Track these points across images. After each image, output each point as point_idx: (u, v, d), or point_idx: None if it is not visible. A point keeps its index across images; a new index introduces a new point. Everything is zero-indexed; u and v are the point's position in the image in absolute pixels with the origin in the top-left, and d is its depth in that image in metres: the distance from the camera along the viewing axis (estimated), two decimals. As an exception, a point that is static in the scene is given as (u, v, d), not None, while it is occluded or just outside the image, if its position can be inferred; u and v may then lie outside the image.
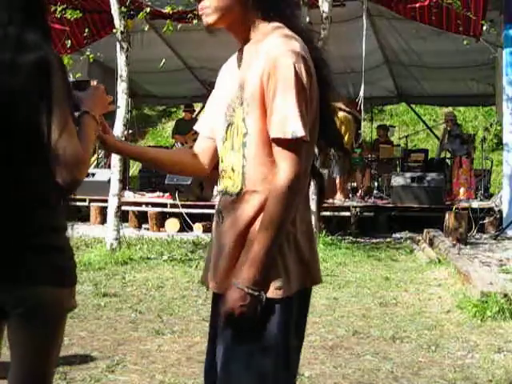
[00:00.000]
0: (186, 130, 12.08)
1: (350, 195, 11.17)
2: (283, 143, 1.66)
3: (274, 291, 1.67)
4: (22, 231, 1.67)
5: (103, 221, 9.67)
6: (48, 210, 1.70)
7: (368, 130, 14.26)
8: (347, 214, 9.72)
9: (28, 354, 1.69)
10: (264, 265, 1.63)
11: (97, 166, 13.61)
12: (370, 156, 11.94)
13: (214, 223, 1.85)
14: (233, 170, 1.78)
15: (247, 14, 1.74)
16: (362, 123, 10.64)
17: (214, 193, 11.50)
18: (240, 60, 1.81)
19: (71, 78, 1.91)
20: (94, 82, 1.98)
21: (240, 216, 1.72)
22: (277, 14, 1.76)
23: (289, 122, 1.64)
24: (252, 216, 1.70)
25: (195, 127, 2.09)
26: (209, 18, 1.75)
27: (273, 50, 1.67)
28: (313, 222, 7.00)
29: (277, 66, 1.65)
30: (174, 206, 10.12)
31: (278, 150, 1.68)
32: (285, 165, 1.66)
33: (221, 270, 1.74)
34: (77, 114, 1.76)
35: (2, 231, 1.66)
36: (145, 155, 2.08)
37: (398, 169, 12.15)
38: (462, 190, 11.02)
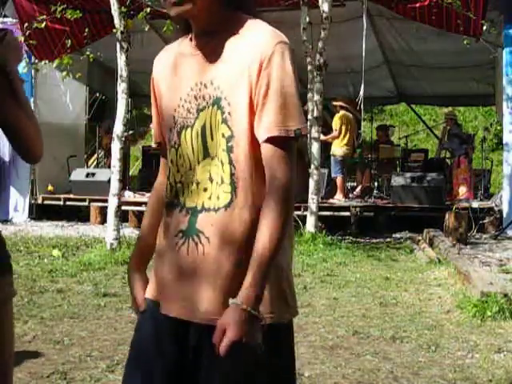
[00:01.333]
0: None
1: (350, 195, 11.18)
2: (283, 142, 1.46)
3: (281, 314, 1.52)
4: None
5: (103, 221, 9.67)
6: None
7: (368, 130, 14.26)
8: (347, 213, 9.72)
9: None
10: (266, 283, 1.45)
11: (97, 166, 13.63)
12: (369, 156, 11.94)
13: (177, 246, 1.55)
14: (211, 179, 1.52)
15: (215, 5, 1.53)
16: (362, 123, 10.64)
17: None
18: (205, 54, 1.56)
19: None
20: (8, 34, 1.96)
21: (235, 232, 1.50)
22: (246, 7, 1.59)
23: (291, 118, 1.47)
24: (251, 230, 1.48)
25: (154, 143, 1.76)
26: (179, 8, 1.52)
27: (262, 41, 1.48)
28: (313, 223, 6.95)
29: (270, 58, 1.47)
30: (173, 205, 10.10)
31: (274, 151, 1.46)
32: (283, 168, 1.46)
33: (214, 296, 1.49)
34: None
35: None
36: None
37: (398, 169, 12.16)
38: (461, 190, 11.03)
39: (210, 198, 1.52)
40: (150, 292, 1.66)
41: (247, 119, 1.48)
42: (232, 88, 1.50)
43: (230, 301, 1.42)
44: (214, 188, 1.52)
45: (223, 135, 1.50)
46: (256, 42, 1.49)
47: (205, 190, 1.53)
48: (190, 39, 1.60)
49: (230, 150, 1.50)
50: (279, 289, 1.53)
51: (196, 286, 1.52)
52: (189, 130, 1.55)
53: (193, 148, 1.55)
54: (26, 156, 1.81)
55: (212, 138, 1.52)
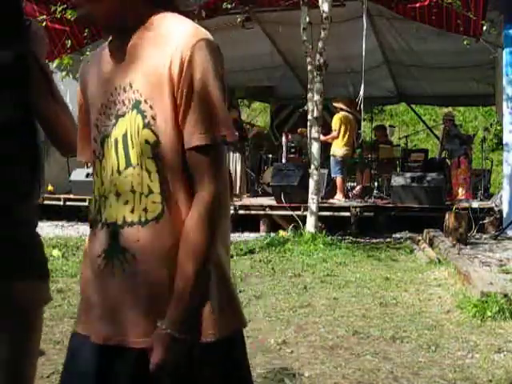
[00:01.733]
0: None
1: (350, 195, 11.18)
2: (209, 150, 1.35)
3: (208, 334, 1.38)
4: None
5: (103, 221, 9.65)
6: (24, 203, 1.71)
7: (368, 130, 14.27)
8: (347, 214, 9.72)
9: (9, 348, 1.70)
10: (193, 303, 1.35)
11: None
12: (369, 156, 11.95)
13: (99, 268, 1.43)
14: (133, 191, 1.39)
15: (131, 1, 1.42)
16: (362, 123, 10.64)
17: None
18: (123, 55, 1.44)
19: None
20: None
21: (165, 246, 1.37)
22: (167, 4, 1.48)
23: (214, 123, 1.35)
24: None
25: (78, 157, 1.63)
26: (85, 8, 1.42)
27: (183, 40, 1.36)
28: (313, 223, 6.95)
29: (191, 57, 1.34)
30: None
31: (198, 159, 1.35)
32: (210, 177, 1.35)
33: (144, 320, 1.38)
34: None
35: None
36: None
37: (398, 169, 12.16)
38: (460, 190, 11.04)
39: (132, 211, 1.39)
40: (79, 326, 1.52)
41: (173, 123, 1.36)
42: (153, 90, 1.37)
43: (158, 323, 1.34)
44: (137, 200, 1.38)
45: (147, 141, 1.37)
46: (176, 41, 1.36)
47: (126, 202, 1.39)
48: (110, 41, 1.50)
49: (156, 156, 1.36)
50: (217, 304, 1.40)
51: (125, 310, 1.39)
52: (110, 138, 1.43)
53: (116, 157, 1.41)
54: (62, 149, 1.85)
55: (133, 146, 1.38)
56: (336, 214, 9.74)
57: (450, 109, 14.75)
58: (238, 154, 11.41)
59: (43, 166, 1.81)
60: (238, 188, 11.33)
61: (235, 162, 11.35)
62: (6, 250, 1.66)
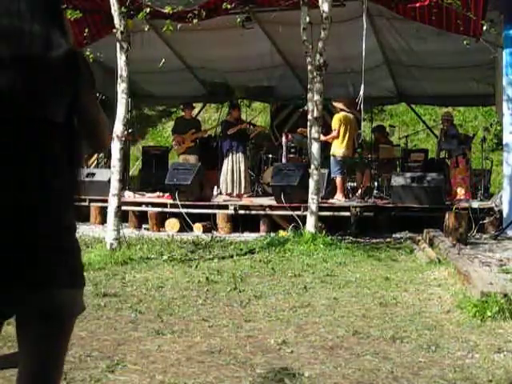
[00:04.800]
0: (184, 129, 12.07)
1: (350, 195, 11.18)
2: None
3: None
4: (41, 231, 1.66)
5: (103, 221, 9.67)
6: (66, 208, 1.70)
7: (368, 130, 14.25)
8: (347, 214, 9.72)
9: (42, 355, 1.70)
10: None
11: (97, 166, 13.62)
12: (369, 156, 11.95)
13: None
14: None
15: None
16: (362, 123, 10.64)
17: (214, 193, 11.52)
18: None
19: None
20: None
21: None
22: None
23: None
24: None
25: None
26: None
27: None
28: (313, 223, 6.95)
29: None
30: (173, 205, 10.12)
31: None
32: None
33: None
34: None
35: (21, 231, 1.64)
36: None
37: (398, 169, 12.16)
38: (459, 190, 11.04)
39: None
40: None
41: None
42: None
43: None
44: None
45: None
46: None
47: None
48: None
49: None
50: None
51: None
52: None
53: None
54: (97, 146, 1.92)
55: None
56: (336, 213, 9.74)
57: (449, 109, 14.74)
58: (241, 154, 11.40)
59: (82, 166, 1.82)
60: (242, 188, 11.33)
61: (238, 162, 11.34)
62: (54, 256, 1.65)
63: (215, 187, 11.76)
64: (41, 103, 1.65)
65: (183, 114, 12.67)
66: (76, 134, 1.75)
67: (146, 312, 4.82)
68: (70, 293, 1.70)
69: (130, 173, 13.33)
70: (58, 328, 1.70)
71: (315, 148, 8.50)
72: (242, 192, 11.31)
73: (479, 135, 13.17)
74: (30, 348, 1.70)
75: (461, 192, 10.99)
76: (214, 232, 9.88)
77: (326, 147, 10.66)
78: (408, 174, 10.41)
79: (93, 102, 1.83)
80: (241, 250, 7.93)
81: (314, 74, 8.46)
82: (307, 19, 8.54)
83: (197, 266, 6.77)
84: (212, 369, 3.54)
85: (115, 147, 7.78)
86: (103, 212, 9.78)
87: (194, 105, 13.65)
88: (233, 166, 11.29)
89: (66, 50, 1.71)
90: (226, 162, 11.38)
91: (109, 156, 10.73)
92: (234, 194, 11.25)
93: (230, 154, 11.34)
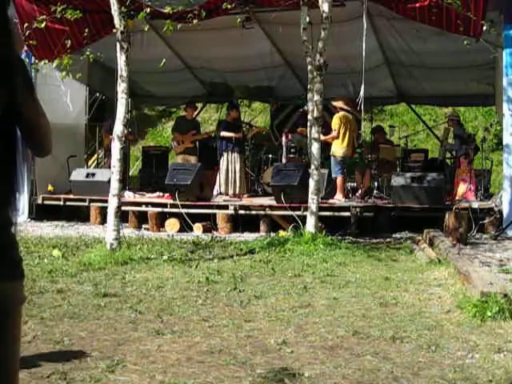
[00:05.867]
0: (185, 129, 12.07)
1: (350, 195, 11.18)
2: None
3: None
4: None
5: (103, 221, 9.67)
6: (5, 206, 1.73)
7: (368, 130, 14.25)
8: (347, 214, 9.72)
9: None
10: None
11: (97, 166, 13.63)
12: (369, 156, 11.94)
13: None
14: None
15: None
16: (362, 123, 10.64)
17: (214, 193, 11.52)
18: None
19: None
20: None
21: None
22: None
23: None
24: None
25: None
26: None
27: None
28: (313, 223, 6.96)
29: None
30: (173, 206, 10.13)
31: None
32: None
33: None
34: None
35: None
36: None
37: (398, 169, 12.15)
38: (460, 190, 11.03)
39: None
40: None
41: None
42: None
43: None
44: None
45: None
46: None
47: None
48: None
49: None
50: None
51: None
52: None
53: None
54: (39, 151, 1.87)
55: None
56: (336, 213, 9.74)
57: (449, 109, 14.72)
58: (237, 154, 11.39)
59: (23, 166, 1.82)
60: (237, 188, 11.32)
61: (234, 162, 11.34)
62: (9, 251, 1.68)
63: (215, 187, 11.76)
64: None
65: (185, 113, 12.66)
66: (12, 135, 1.72)
67: (145, 312, 4.82)
68: (13, 285, 1.75)
69: (130, 173, 13.32)
70: (6, 320, 1.73)
71: (315, 148, 8.51)
72: (237, 192, 11.29)
73: (479, 135, 13.16)
74: None
75: (462, 192, 10.98)
76: (214, 232, 9.88)
77: (326, 147, 10.66)
78: (408, 174, 10.41)
79: (31, 106, 1.79)
80: (241, 250, 7.94)
81: (314, 73, 8.46)
82: (307, 19, 8.54)
83: (197, 266, 6.77)
84: (212, 369, 3.54)
85: (115, 147, 7.78)
86: (103, 212, 9.79)
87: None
88: (228, 166, 11.28)
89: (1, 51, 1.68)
90: (221, 162, 11.38)
91: (109, 156, 10.74)
92: (230, 194, 11.24)
93: (226, 154, 11.34)
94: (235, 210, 10.09)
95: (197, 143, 12.41)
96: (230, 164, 11.30)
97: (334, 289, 5.69)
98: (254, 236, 9.25)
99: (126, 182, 11.08)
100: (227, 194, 11.26)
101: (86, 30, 9.23)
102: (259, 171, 12.71)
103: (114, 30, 7.95)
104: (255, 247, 7.97)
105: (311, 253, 7.51)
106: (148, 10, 8.16)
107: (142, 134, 17.26)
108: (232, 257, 7.48)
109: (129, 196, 10.97)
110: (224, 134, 11.33)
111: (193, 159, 11.95)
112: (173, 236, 9.13)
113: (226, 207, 10.25)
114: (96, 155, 13.72)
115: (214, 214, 10.19)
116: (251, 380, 3.38)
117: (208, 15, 9.21)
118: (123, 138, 7.88)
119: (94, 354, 3.78)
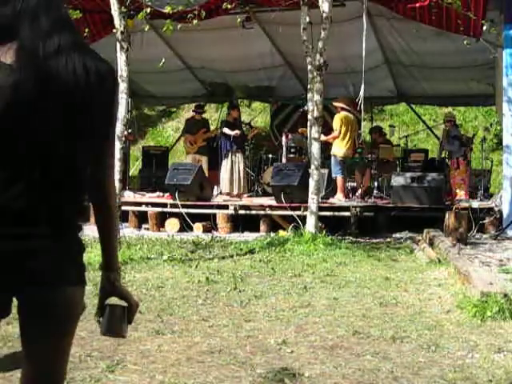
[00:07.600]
0: (196, 130, 12.10)
1: (350, 195, 11.18)
2: None
3: None
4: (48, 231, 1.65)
5: (103, 221, 9.65)
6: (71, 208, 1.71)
7: (368, 131, 14.26)
8: (347, 214, 9.72)
9: (48, 353, 1.70)
10: None
11: (97, 165, 13.58)
12: (370, 156, 11.95)
13: None
14: None
15: None
16: (362, 123, 10.64)
17: (214, 193, 11.53)
18: None
19: None
20: None
21: None
22: None
23: None
24: None
25: None
26: None
27: None
28: (313, 223, 6.95)
29: None
30: (174, 205, 10.12)
31: None
32: None
33: None
34: None
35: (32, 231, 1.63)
36: None
37: (398, 169, 12.15)
38: (458, 191, 11.05)
39: None
40: None
41: None
42: None
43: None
44: None
45: None
46: None
47: None
48: None
49: None
50: None
51: None
52: None
53: None
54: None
55: None
56: (336, 213, 9.74)
57: (449, 109, 14.72)
58: (239, 154, 11.42)
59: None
60: (241, 188, 11.34)
61: (237, 163, 11.36)
62: (59, 256, 1.66)
63: (215, 187, 11.77)
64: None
65: (193, 114, 12.70)
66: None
67: (145, 312, 4.81)
68: (78, 290, 1.73)
69: (130, 173, 13.32)
70: (65, 325, 1.70)
71: (315, 148, 8.51)
72: (241, 191, 11.32)
73: (479, 135, 13.17)
74: (35, 347, 1.70)
75: (460, 193, 11.00)
76: (214, 232, 9.88)
77: (326, 147, 10.66)
78: (408, 174, 10.41)
79: (107, 168, 1.86)
80: (241, 249, 7.93)
81: (314, 73, 8.46)
82: (307, 19, 8.54)
83: (197, 266, 6.77)
84: (212, 369, 3.54)
85: (115, 147, 7.77)
86: (103, 212, 9.77)
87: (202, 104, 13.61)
88: (232, 166, 11.30)
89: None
90: (224, 162, 11.39)
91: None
92: (234, 194, 11.26)
93: (229, 154, 11.36)
94: (235, 209, 10.09)
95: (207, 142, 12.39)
96: (233, 164, 11.32)
97: (333, 289, 5.69)
98: (254, 236, 9.24)
99: (126, 182, 11.09)
100: (230, 194, 11.27)
101: (86, 30, 9.23)
102: (259, 171, 12.71)
103: (114, 30, 7.95)
104: (255, 247, 7.97)
105: (311, 253, 7.51)
106: (148, 9, 8.16)
107: (141, 134, 17.26)
108: (232, 257, 7.48)
109: (129, 196, 10.97)
110: (226, 130, 11.34)
111: (204, 160, 11.96)
112: (173, 236, 9.12)
113: (226, 207, 10.25)
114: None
115: (214, 214, 10.19)
116: (251, 380, 3.38)
117: (208, 15, 9.21)
118: (123, 138, 7.89)
119: (94, 354, 3.78)
